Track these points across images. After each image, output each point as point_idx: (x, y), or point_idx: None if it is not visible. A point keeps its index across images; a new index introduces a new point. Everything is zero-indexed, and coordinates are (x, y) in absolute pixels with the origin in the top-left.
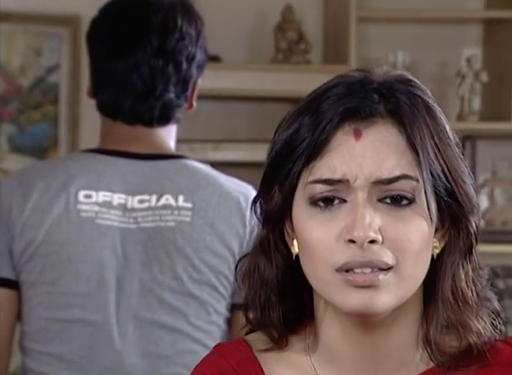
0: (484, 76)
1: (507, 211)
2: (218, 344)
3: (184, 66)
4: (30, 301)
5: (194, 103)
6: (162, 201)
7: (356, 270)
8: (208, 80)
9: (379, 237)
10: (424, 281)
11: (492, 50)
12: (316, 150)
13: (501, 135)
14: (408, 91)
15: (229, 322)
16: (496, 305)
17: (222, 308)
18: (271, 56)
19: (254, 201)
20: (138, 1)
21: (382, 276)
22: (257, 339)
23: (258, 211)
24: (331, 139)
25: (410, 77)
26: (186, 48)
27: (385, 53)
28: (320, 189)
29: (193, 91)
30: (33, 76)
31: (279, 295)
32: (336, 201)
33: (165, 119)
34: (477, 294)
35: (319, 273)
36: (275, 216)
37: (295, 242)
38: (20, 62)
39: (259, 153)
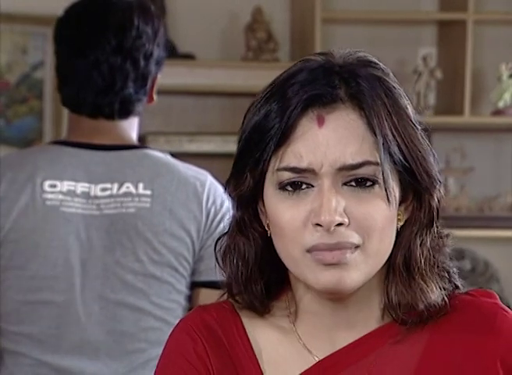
0: (438, 74)
1: (459, 198)
2: (201, 304)
3: (142, 62)
4: (1, 285)
5: (155, 97)
6: (123, 189)
7: (325, 251)
8: (182, 77)
9: (346, 220)
10: None
11: (446, 49)
12: (283, 137)
13: (454, 128)
14: (368, 73)
15: (190, 299)
16: (453, 275)
17: (183, 286)
18: (242, 54)
19: (228, 183)
20: (98, 2)
21: (349, 254)
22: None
23: (232, 194)
24: (297, 126)
25: (371, 58)
26: (143, 46)
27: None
28: (288, 176)
29: (152, 86)
30: (19, 72)
31: (259, 270)
32: (304, 186)
33: (125, 112)
34: (432, 264)
35: (291, 254)
36: (248, 198)
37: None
38: (7, 60)
39: (231, 145)
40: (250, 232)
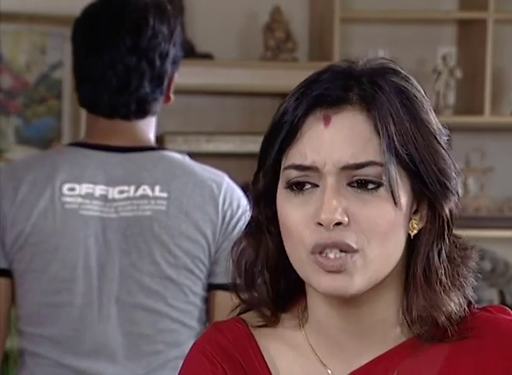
0: (458, 73)
1: (479, 198)
2: (216, 322)
3: (157, 62)
4: (22, 288)
5: (172, 96)
6: (140, 191)
7: (326, 251)
8: (201, 77)
9: (345, 219)
10: (407, 259)
11: (466, 48)
12: (289, 135)
13: (474, 128)
14: (386, 79)
15: (207, 300)
16: (469, 286)
17: (199, 288)
18: (260, 54)
19: (253, 184)
20: (114, 2)
21: (348, 259)
22: (252, 317)
23: (250, 194)
24: (303, 126)
25: (394, 66)
26: (159, 45)
27: (367, 51)
28: (294, 174)
29: (169, 86)
30: (37, 72)
31: (271, 275)
32: (309, 186)
33: (141, 112)
34: (451, 274)
35: (297, 255)
36: (263, 198)
37: None
38: (26, 60)
39: (249, 144)
40: (262, 234)
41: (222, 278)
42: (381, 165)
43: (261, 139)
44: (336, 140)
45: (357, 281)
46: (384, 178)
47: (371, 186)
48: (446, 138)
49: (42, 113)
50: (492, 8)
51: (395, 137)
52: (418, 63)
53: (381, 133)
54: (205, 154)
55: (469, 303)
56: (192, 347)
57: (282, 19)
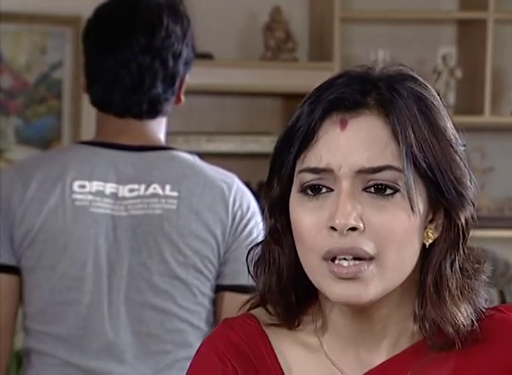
0: (458, 73)
1: (479, 198)
2: (227, 319)
3: (170, 62)
4: (30, 285)
5: (182, 98)
6: (150, 190)
7: (339, 257)
8: (201, 77)
9: (360, 225)
10: (422, 267)
11: (466, 48)
12: (305, 139)
13: (474, 128)
14: (404, 85)
15: (214, 302)
16: (482, 298)
17: (207, 289)
18: (260, 54)
19: (263, 191)
20: (128, 2)
21: (364, 267)
22: (264, 314)
23: (264, 201)
24: (319, 129)
25: (412, 73)
26: (172, 46)
27: (367, 51)
28: (308, 177)
29: (180, 86)
30: (38, 72)
31: (293, 279)
32: (324, 190)
33: (153, 112)
34: (462, 286)
35: (309, 261)
36: (277, 205)
37: None
38: (26, 60)
39: (249, 145)
40: (283, 241)
41: (230, 279)
42: (398, 170)
43: (261, 139)
44: (352, 143)
45: (372, 290)
46: (401, 184)
47: (388, 191)
48: (462, 147)
49: (42, 113)
50: (492, 8)
51: (413, 144)
52: (418, 63)
53: (400, 139)
54: (205, 154)
55: (479, 316)
56: (202, 343)
57: (282, 19)
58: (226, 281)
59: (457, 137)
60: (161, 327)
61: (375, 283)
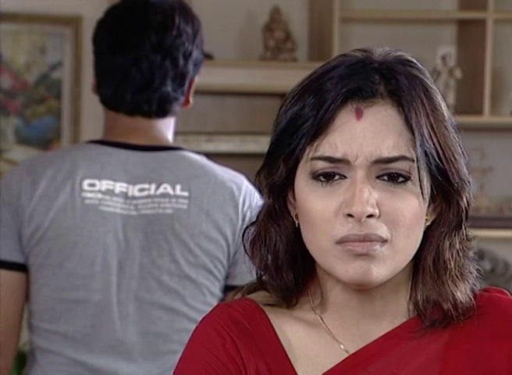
0: (458, 73)
1: (479, 198)
2: (224, 302)
3: (181, 61)
4: (37, 282)
5: (191, 100)
6: (161, 189)
7: (355, 243)
8: (201, 76)
9: (376, 211)
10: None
11: (465, 48)
12: (320, 128)
13: (474, 128)
14: (407, 71)
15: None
16: (475, 277)
17: (216, 289)
18: (260, 54)
19: (259, 173)
20: (139, 2)
21: (378, 246)
22: (261, 296)
23: (264, 182)
24: (335, 118)
25: (410, 58)
26: (182, 45)
27: None
28: (322, 165)
29: (189, 88)
30: (37, 72)
31: (289, 259)
32: (337, 177)
33: (162, 111)
34: (460, 265)
35: (320, 244)
36: (280, 187)
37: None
38: (26, 60)
39: (249, 144)
40: (281, 221)
41: (240, 280)
42: (411, 160)
43: (260, 139)
44: (367, 133)
45: (384, 270)
46: (413, 172)
47: (400, 179)
48: (456, 127)
49: (42, 113)
50: (492, 8)
51: (425, 133)
52: None
53: (414, 129)
54: (205, 154)
55: (473, 291)
56: (201, 320)
57: (282, 19)
58: (236, 282)
59: (451, 117)
60: (169, 327)
61: (386, 264)
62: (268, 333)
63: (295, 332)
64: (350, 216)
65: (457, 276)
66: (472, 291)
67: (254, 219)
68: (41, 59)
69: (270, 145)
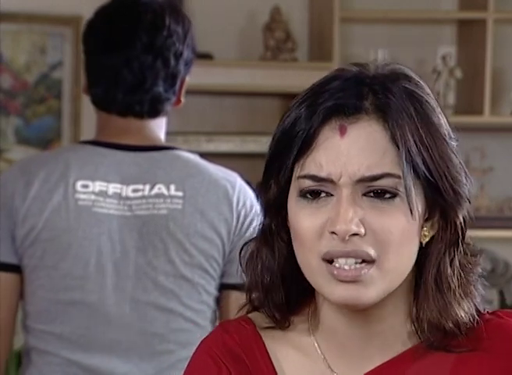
0: (458, 73)
1: (479, 198)
2: (223, 322)
3: (172, 61)
4: (32, 284)
5: (182, 99)
6: (155, 190)
7: (340, 260)
8: (201, 77)
9: (362, 230)
10: (417, 266)
11: (466, 48)
12: (305, 145)
13: (474, 128)
14: (399, 85)
15: (218, 300)
16: (479, 295)
17: (212, 288)
18: (260, 54)
19: (258, 191)
20: (130, 2)
21: (365, 271)
22: (260, 317)
23: (260, 201)
24: (318, 135)
25: (405, 71)
26: (173, 45)
27: (367, 51)
28: (308, 183)
29: (181, 87)
30: (37, 72)
31: (281, 280)
32: (323, 195)
33: (154, 112)
34: (464, 282)
35: (308, 262)
36: (274, 205)
37: None
38: (26, 60)
39: (249, 145)
40: (275, 241)
41: (236, 278)
42: (397, 177)
43: (260, 139)
44: (352, 151)
45: (372, 292)
46: (400, 189)
47: (388, 195)
48: (455, 143)
49: (42, 113)
50: (492, 8)
51: (412, 148)
52: (418, 63)
53: (400, 146)
54: (205, 154)
55: (477, 311)
56: (198, 347)
57: (282, 19)
58: (232, 280)
59: (451, 133)
60: (165, 327)
61: (376, 286)
62: (263, 363)
63: (291, 360)
64: (335, 233)
65: (460, 295)
66: (477, 310)
67: (254, 235)
68: (41, 59)
69: (266, 159)
